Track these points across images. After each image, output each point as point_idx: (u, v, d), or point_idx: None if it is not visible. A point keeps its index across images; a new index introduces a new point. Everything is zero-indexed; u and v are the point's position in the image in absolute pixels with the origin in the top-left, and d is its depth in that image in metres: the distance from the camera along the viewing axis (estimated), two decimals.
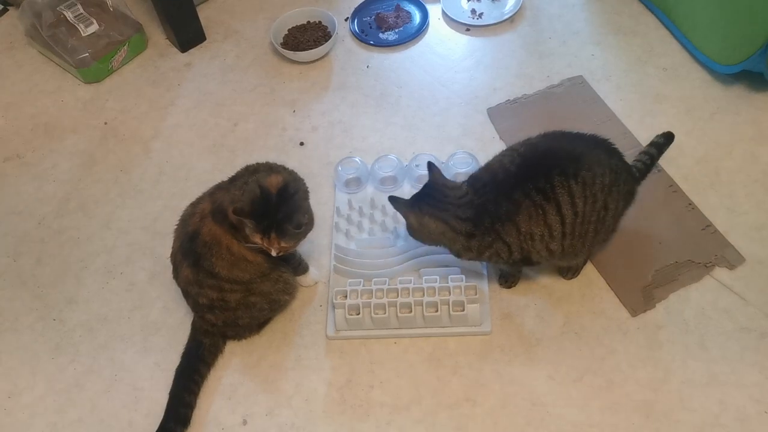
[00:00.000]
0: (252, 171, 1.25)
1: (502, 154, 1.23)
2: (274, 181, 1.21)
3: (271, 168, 1.26)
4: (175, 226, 1.29)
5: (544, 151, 1.21)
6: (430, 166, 1.26)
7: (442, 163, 1.54)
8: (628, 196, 1.25)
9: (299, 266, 1.38)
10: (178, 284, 1.29)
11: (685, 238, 1.40)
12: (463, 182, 1.24)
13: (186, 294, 1.29)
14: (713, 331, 1.29)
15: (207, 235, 1.22)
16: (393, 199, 1.26)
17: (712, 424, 1.19)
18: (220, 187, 1.27)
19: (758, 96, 1.62)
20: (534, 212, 1.16)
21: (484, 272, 1.38)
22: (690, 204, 1.45)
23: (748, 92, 1.63)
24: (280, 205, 1.19)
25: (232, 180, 1.27)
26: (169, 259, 1.29)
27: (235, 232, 1.22)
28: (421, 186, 1.27)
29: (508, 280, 1.37)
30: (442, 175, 1.25)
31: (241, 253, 1.23)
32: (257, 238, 1.19)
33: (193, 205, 1.28)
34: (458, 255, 1.25)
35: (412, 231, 1.27)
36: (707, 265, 1.36)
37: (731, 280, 1.34)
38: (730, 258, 1.36)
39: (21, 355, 1.41)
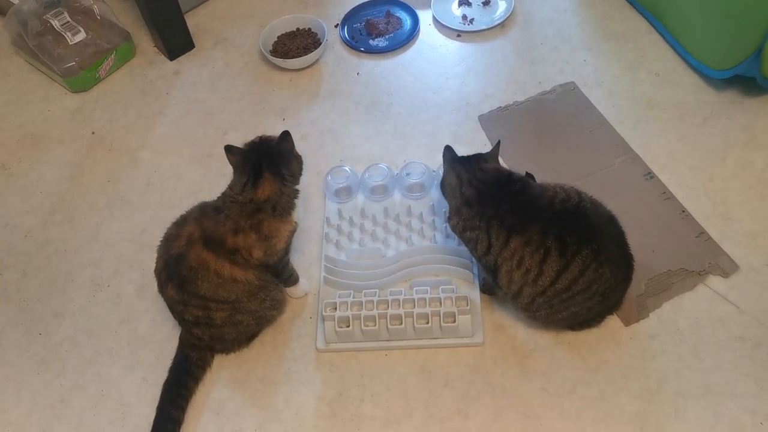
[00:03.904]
0: (231, 200, 1.24)
1: (563, 189, 1.22)
2: (267, 187, 1.25)
3: (246, 192, 1.25)
4: (158, 244, 1.27)
5: (598, 222, 1.19)
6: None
7: (433, 171, 1.53)
8: (604, 312, 1.28)
9: (290, 278, 1.37)
10: (164, 300, 1.27)
11: (678, 246, 1.39)
12: (510, 170, 1.28)
13: (172, 310, 1.28)
14: (707, 341, 1.27)
15: (194, 260, 1.20)
16: (447, 148, 1.34)
17: None
18: (205, 215, 1.24)
19: (751, 101, 1.61)
20: (537, 246, 1.16)
21: (476, 282, 1.37)
22: (683, 211, 1.44)
23: (741, 97, 1.62)
24: (253, 156, 1.27)
25: (217, 210, 1.24)
26: (154, 274, 1.27)
27: (233, 256, 1.21)
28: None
29: (487, 291, 1.37)
30: (489, 153, 1.31)
31: (232, 276, 1.22)
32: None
33: (178, 225, 1.26)
34: (449, 216, 1.30)
35: (442, 183, 1.33)
36: (701, 273, 1.35)
37: (725, 288, 1.33)
38: (724, 266, 1.35)
39: (6, 370, 1.39)
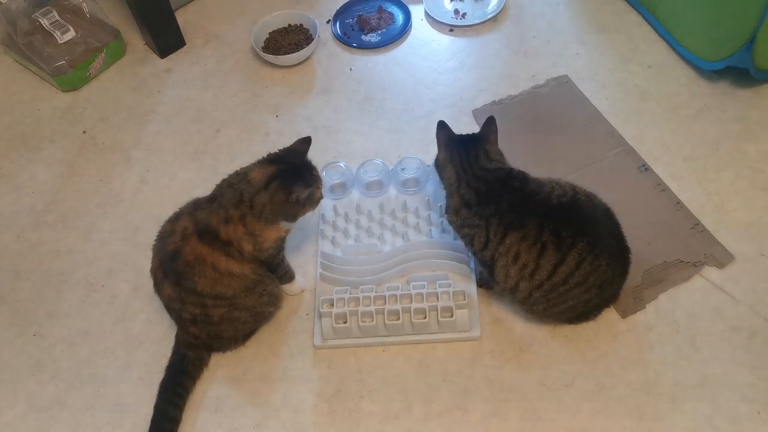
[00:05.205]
0: (227, 185, 1.24)
1: (559, 184, 1.21)
2: (259, 173, 1.22)
3: (240, 175, 1.24)
4: (153, 243, 1.26)
5: (593, 215, 1.19)
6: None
7: (428, 166, 1.52)
8: (601, 305, 1.28)
9: (286, 274, 1.36)
10: (161, 299, 1.27)
11: (673, 238, 1.39)
12: (511, 167, 1.26)
13: (169, 308, 1.27)
14: (704, 332, 1.28)
15: (189, 254, 1.19)
16: (441, 125, 1.31)
17: (705, 425, 1.18)
18: (198, 207, 1.24)
19: (744, 92, 1.61)
20: (533, 242, 1.15)
21: (473, 277, 1.37)
22: (678, 203, 1.44)
23: (733, 88, 1.62)
24: (289, 162, 1.25)
25: (211, 200, 1.24)
26: (150, 273, 1.27)
27: (228, 248, 1.21)
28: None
29: (484, 285, 1.37)
30: (487, 138, 1.27)
31: (228, 269, 1.21)
32: (318, 195, 1.27)
33: (171, 222, 1.25)
34: (446, 211, 1.29)
35: (437, 163, 1.31)
36: (696, 264, 1.35)
37: (721, 279, 1.33)
38: (719, 256, 1.35)
39: (0, 372, 1.38)
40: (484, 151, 1.25)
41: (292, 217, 1.26)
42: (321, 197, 1.29)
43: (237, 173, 1.26)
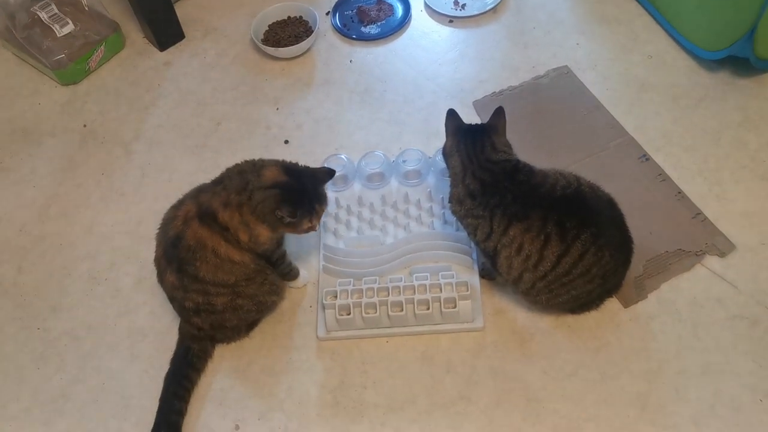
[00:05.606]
0: (237, 171, 1.24)
1: (563, 175, 1.21)
2: (272, 173, 1.21)
3: (255, 166, 1.24)
4: (157, 232, 1.26)
5: (597, 206, 1.19)
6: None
7: (429, 158, 1.52)
8: (604, 295, 1.28)
9: (289, 273, 1.36)
10: (164, 289, 1.27)
11: (675, 227, 1.39)
12: (517, 158, 1.25)
13: (171, 298, 1.27)
14: (706, 320, 1.28)
15: (191, 238, 1.19)
16: (451, 113, 1.31)
17: (707, 414, 1.19)
18: (202, 190, 1.24)
19: (745, 81, 1.61)
20: (537, 233, 1.16)
21: (475, 268, 1.37)
22: (679, 192, 1.44)
23: (734, 78, 1.62)
24: (301, 182, 1.22)
25: (216, 183, 1.24)
26: (154, 263, 1.27)
27: (226, 233, 1.20)
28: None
29: (486, 276, 1.37)
30: (495, 128, 1.26)
31: (228, 255, 1.21)
32: (305, 225, 1.23)
33: (175, 208, 1.25)
34: (450, 200, 1.28)
35: (444, 151, 1.31)
36: (698, 253, 1.36)
37: (722, 268, 1.34)
38: (721, 246, 1.36)
39: (5, 366, 1.38)
40: (491, 142, 1.24)
41: (272, 228, 1.23)
42: (310, 229, 1.25)
43: (253, 162, 1.25)
